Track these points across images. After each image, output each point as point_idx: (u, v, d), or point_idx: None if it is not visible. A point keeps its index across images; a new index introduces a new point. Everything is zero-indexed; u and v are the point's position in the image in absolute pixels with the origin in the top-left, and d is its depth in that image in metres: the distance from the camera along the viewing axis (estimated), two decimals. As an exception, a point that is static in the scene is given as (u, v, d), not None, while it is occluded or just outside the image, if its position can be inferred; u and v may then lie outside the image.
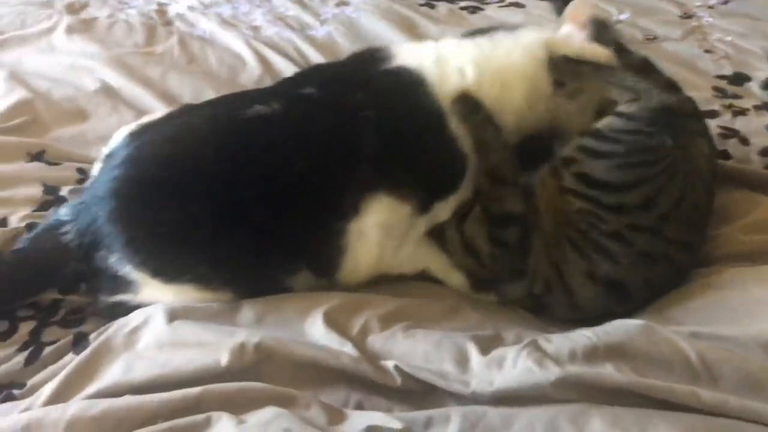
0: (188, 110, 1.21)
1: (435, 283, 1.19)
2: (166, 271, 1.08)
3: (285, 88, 1.22)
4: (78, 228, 1.11)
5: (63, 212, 1.16)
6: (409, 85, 1.15)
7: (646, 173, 1.11)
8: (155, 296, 1.08)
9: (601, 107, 1.19)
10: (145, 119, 1.27)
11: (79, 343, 1.08)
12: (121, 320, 1.07)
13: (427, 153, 1.13)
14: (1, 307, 1.11)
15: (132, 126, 1.24)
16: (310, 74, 1.29)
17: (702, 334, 1.01)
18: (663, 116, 1.15)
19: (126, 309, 1.09)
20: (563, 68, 1.22)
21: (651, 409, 0.92)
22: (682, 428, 0.89)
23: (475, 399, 0.96)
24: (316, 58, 1.80)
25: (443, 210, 1.15)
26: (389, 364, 0.99)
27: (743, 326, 1.02)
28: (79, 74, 1.70)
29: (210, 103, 1.23)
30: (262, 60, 1.79)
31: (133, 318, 1.07)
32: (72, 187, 1.34)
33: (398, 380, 0.98)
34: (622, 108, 1.16)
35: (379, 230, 1.11)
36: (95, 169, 1.23)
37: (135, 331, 1.04)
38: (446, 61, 1.19)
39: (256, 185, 1.07)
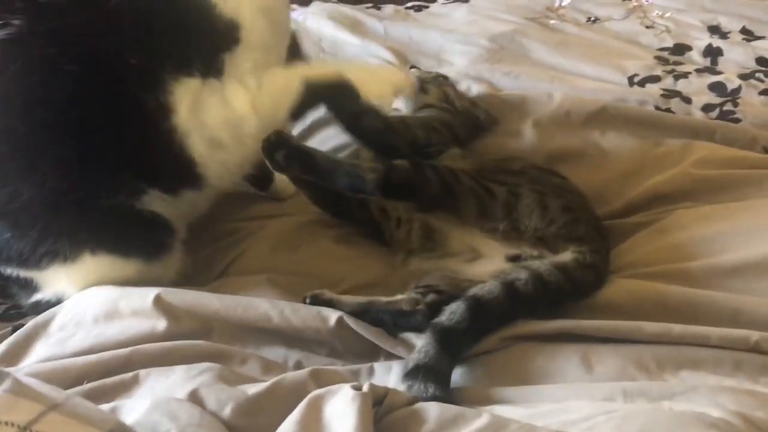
0: None
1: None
2: None
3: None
4: None
5: None
6: None
7: None
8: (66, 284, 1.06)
9: None
10: None
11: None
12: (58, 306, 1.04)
13: (181, 18, 1.02)
14: None
15: None
16: None
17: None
18: None
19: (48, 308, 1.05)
20: None
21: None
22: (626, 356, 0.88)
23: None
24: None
25: (241, 63, 1.06)
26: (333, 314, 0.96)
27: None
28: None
29: None
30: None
31: (69, 300, 1.04)
32: None
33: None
34: None
35: (192, 113, 1.03)
36: None
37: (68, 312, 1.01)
38: None
39: (33, 110, 0.98)
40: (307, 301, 1.00)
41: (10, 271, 1.06)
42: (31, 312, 1.09)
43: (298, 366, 0.95)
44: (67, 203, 1.00)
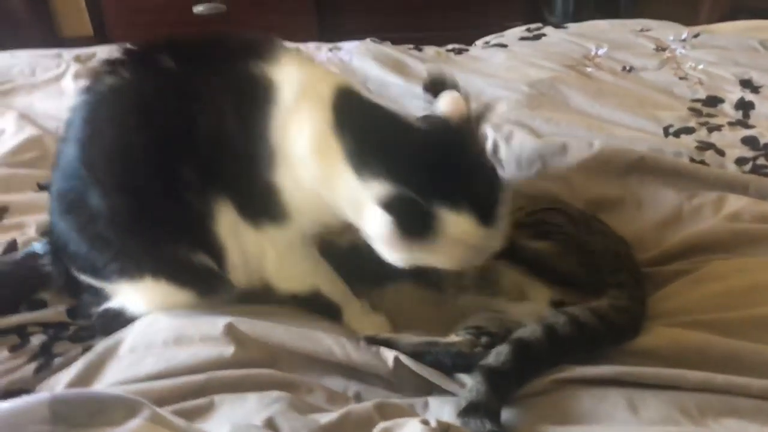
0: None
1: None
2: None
3: (136, 56, 1.12)
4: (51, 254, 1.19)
5: (37, 246, 1.25)
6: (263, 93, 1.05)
7: None
8: (131, 298, 1.14)
9: None
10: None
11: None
12: (125, 329, 1.12)
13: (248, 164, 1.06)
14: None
15: None
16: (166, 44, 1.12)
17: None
18: None
19: (115, 316, 1.14)
20: None
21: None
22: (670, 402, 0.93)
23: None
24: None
25: (276, 235, 1.09)
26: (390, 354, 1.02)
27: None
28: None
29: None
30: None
31: (137, 324, 1.11)
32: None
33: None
34: None
35: (229, 231, 1.09)
36: None
37: (137, 335, 1.08)
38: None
39: (114, 169, 1.07)
40: (362, 343, 1.06)
41: (85, 278, 1.16)
42: (98, 321, 1.16)
43: (358, 397, 1.00)
44: (136, 239, 1.10)
